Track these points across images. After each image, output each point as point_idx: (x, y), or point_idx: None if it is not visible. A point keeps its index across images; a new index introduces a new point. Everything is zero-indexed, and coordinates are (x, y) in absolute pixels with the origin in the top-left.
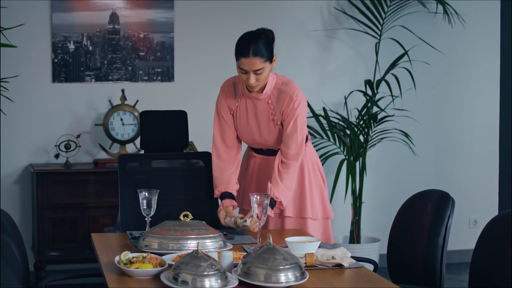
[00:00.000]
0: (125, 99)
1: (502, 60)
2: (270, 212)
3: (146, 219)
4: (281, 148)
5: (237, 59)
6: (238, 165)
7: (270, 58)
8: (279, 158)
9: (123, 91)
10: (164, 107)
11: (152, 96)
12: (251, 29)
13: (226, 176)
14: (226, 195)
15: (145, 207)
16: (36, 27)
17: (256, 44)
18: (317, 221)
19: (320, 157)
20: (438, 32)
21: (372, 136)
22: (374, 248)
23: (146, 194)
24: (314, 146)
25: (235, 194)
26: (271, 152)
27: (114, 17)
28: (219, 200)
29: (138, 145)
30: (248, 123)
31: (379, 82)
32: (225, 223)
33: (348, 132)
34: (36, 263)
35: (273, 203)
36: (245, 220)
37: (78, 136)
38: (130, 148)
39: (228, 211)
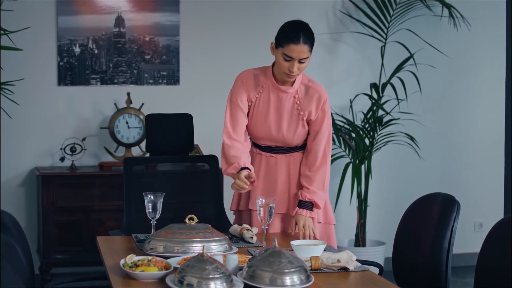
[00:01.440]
0: (131, 102)
1: (508, 63)
2: (310, 214)
3: (151, 222)
4: (308, 149)
5: (283, 46)
6: (249, 155)
7: (312, 49)
8: (305, 159)
9: (128, 94)
10: (169, 110)
11: (157, 99)
12: (256, 33)
13: (245, 156)
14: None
15: (150, 210)
16: (42, 30)
17: (305, 32)
18: (320, 225)
19: None
20: (444, 35)
21: (378, 139)
22: (380, 252)
23: (152, 197)
24: None
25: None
26: (280, 150)
27: (119, 20)
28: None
29: (144, 148)
30: (267, 117)
31: (384, 85)
32: (236, 186)
33: (353, 135)
34: (42, 266)
35: (309, 205)
36: (252, 237)
37: (84, 139)
38: (136, 151)
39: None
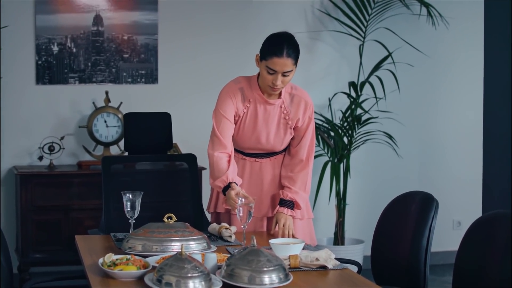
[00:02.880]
0: (109, 101)
1: (486, 62)
2: (292, 212)
3: (130, 221)
4: (292, 152)
5: (266, 59)
6: (235, 165)
7: (297, 62)
8: (288, 161)
9: (107, 93)
10: (148, 109)
11: (136, 98)
12: (235, 32)
13: (232, 169)
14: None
15: (129, 209)
16: (20, 29)
17: (289, 45)
18: (304, 221)
19: None
20: (422, 34)
21: (356, 138)
22: (358, 250)
23: (130, 196)
24: None
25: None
26: (263, 155)
27: (98, 19)
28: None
29: (122, 147)
30: (255, 129)
31: (363, 84)
32: (231, 204)
33: (332, 133)
34: (20, 265)
35: (290, 204)
36: (230, 236)
37: (62, 138)
38: (114, 150)
39: (240, 192)
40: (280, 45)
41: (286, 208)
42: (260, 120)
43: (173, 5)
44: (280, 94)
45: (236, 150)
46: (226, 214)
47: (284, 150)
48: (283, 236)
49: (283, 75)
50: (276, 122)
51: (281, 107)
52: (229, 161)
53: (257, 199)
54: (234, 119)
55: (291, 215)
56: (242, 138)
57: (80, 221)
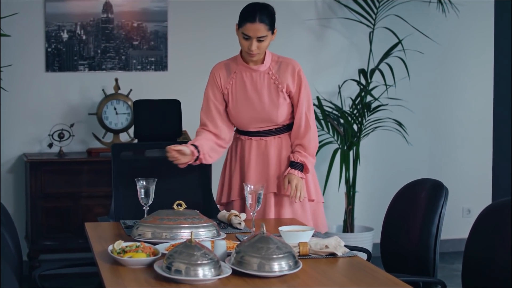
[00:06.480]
0: (119, 88)
1: (496, 49)
2: (302, 175)
3: (144, 208)
4: (295, 122)
5: (241, 26)
6: (212, 144)
7: (272, 28)
8: (292, 131)
9: (116, 80)
10: (157, 96)
11: (145, 85)
12: None
13: (203, 140)
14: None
15: (143, 196)
16: (30, 16)
17: (262, 12)
18: (314, 204)
19: None
20: (432, 21)
21: (366, 125)
22: (368, 237)
23: (144, 183)
24: None
25: (202, 153)
26: (269, 133)
27: (107, 6)
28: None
29: (132, 134)
30: (246, 98)
31: (373, 71)
32: (173, 153)
33: (342, 121)
34: (30, 252)
35: (300, 167)
36: (240, 223)
37: (72, 125)
38: (124, 137)
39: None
40: (252, 12)
41: (297, 170)
42: (249, 88)
43: None
44: (263, 60)
45: (242, 133)
46: (237, 201)
47: (289, 129)
48: (295, 198)
49: (258, 40)
50: (266, 87)
51: (269, 73)
52: (207, 134)
53: (265, 178)
54: (224, 93)
55: (301, 177)
56: (238, 110)
57: (90, 208)
